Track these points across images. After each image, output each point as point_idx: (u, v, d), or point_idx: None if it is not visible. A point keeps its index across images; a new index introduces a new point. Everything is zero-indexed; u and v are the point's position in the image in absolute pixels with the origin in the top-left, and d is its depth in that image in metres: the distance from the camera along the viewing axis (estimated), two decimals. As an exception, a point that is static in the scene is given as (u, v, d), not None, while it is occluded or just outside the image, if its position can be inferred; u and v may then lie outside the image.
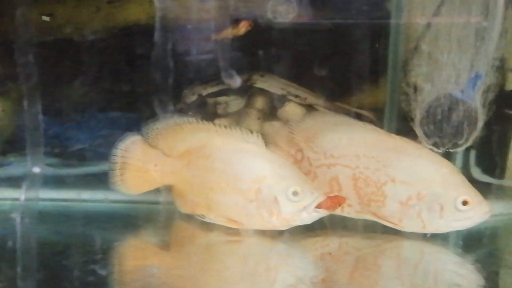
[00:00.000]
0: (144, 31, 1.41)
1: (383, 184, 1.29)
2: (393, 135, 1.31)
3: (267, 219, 1.25)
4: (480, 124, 1.26)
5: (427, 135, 1.27)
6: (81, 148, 1.54)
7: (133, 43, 1.41)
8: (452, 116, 1.26)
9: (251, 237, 1.31)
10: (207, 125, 1.32)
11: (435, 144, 1.28)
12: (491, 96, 1.50)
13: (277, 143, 1.41)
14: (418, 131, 1.28)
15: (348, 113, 1.56)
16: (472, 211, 1.25)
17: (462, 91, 1.23)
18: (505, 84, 1.54)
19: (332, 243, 1.34)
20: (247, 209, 1.26)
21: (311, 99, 1.55)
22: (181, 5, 1.44)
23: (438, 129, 1.26)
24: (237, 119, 1.55)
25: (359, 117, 1.56)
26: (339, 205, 1.27)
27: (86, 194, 1.48)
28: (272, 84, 1.54)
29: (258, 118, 1.55)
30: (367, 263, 1.25)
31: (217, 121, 1.52)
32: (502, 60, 1.51)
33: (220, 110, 1.53)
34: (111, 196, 1.46)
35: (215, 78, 1.53)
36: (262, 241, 1.31)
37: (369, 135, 1.32)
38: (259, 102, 1.56)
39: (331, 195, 1.28)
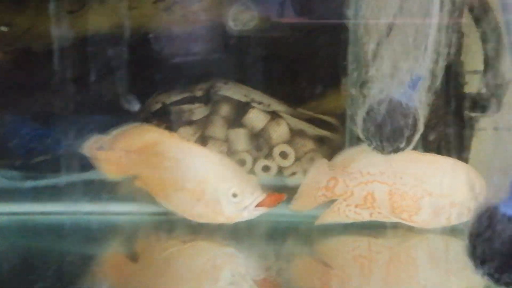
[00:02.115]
0: (106, 40, 1.40)
1: (419, 198, 1.35)
2: (421, 152, 1.37)
3: (213, 217, 1.32)
4: (421, 126, 1.25)
5: (368, 139, 1.27)
6: (42, 160, 1.52)
7: (94, 52, 1.40)
8: (391, 119, 1.24)
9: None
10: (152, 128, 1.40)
11: (376, 148, 1.28)
12: (451, 98, 1.54)
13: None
14: (360, 135, 1.28)
15: (311, 119, 1.58)
16: None
17: (402, 93, 1.22)
18: (464, 86, 1.58)
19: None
20: (196, 207, 1.32)
21: (275, 105, 1.56)
22: (143, 14, 1.45)
23: (378, 132, 1.25)
24: (202, 126, 1.55)
25: (322, 123, 1.58)
26: (278, 203, 1.33)
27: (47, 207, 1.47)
28: (236, 91, 1.55)
29: (223, 125, 1.56)
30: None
31: (182, 129, 1.53)
32: (459, 62, 1.55)
33: (184, 118, 1.53)
34: (76, 208, 1.45)
35: (179, 86, 1.53)
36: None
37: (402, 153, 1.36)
38: (223, 109, 1.56)
39: (270, 193, 1.33)
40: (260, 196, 1.30)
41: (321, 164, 1.40)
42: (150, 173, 1.37)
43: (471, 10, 1.49)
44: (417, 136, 1.25)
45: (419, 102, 1.24)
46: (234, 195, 1.29)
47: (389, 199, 1.37)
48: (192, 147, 1.36)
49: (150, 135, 1.38)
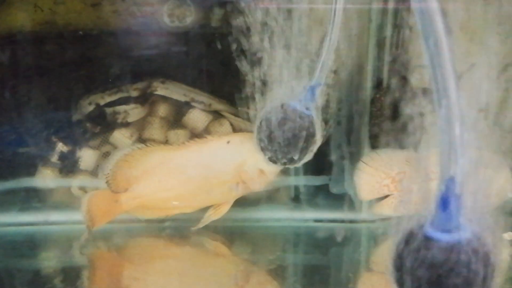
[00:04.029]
0: (30, 39, 1.31)
1: None
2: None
3: (258, 188, 1.32)
4: (319, 137, 1.17)
5: (262, 149, 1.20)
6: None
7: (17, 52, 1.31)
8: (284, 128, 1.14)
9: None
10: (156, 146, 1.36)
11: (270, 159, 1.21)
12: (397, 94, 1.50)
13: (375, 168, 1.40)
14: (255, 143, 1.20)
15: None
16: None
17: (298, 101, 1.14)
18: (412, 81, 1.55)
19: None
20: (235, 191, 1.32)
21: (216, 105, 1.49)
22: (71, 10, 1.36)
23: (271, 142, 1.17)
24: (139, 128, 1.47)
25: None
26: None
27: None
28: (174, 91, 1.47)
29: (162, 127, 1.48)
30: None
31: (117, 131, 1.45)
32: (406, 57, 1.52)
33: (119, 120, 1.45)
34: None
35: (113, 86, 1.45)
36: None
37: None
38: (162, 110, 1.49)
39: None
40: None
41: (400, 152, 1.36)
42: (166, 193, 1.34)
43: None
44: (314, 147, 1.17)
45: (317, 111, 1.15)
46: None
47: None
48: (208, 142, 1.34)
49: (150, 157, 1.34)
